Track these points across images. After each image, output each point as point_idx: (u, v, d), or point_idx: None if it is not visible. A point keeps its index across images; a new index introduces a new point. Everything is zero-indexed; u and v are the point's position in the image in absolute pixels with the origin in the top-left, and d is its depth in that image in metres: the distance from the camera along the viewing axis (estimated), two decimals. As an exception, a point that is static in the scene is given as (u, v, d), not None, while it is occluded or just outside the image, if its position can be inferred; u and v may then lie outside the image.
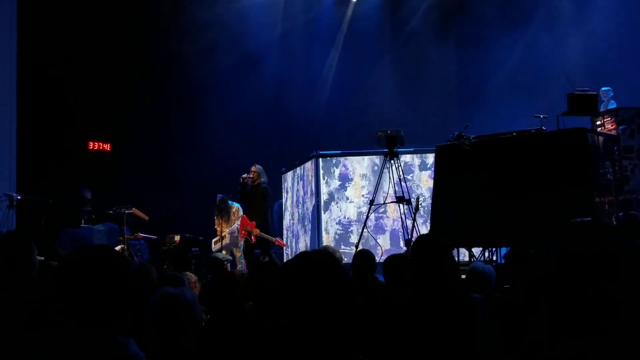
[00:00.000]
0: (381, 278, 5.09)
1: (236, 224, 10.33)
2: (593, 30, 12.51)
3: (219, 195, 10.65)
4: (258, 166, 9.90)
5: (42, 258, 5.59)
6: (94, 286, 1.79)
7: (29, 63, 12.00)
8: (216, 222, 10.71)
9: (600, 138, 7.99)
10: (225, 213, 10.47)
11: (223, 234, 10.42)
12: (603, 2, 12.58)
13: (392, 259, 4.27)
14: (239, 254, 10.29)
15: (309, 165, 11.26)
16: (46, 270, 3.58)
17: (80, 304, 1.78)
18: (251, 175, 9.83)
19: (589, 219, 5.67)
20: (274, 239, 9.84)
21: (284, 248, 12.01)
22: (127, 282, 1.84)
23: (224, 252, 10.41)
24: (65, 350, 1.76)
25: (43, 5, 12.26)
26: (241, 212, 10.41)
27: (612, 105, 9.86)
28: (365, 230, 9.05)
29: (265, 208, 9.90)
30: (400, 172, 8.70)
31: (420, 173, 10.73)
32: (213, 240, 10.70)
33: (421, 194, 10.12)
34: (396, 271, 4.10)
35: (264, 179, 9.88)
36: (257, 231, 9.58)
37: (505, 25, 13.11)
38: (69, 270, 1.84)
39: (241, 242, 10.18)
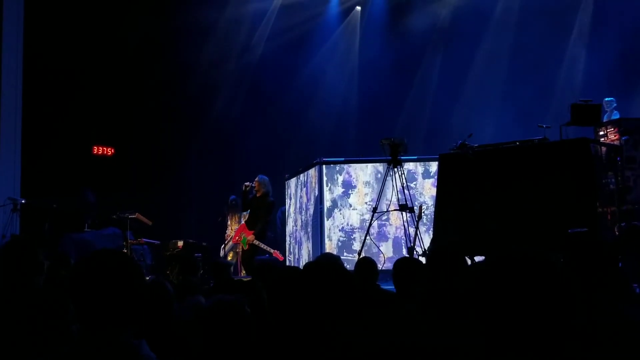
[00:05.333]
0: (383, 285, 5.11)
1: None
2: (597, 40, 12.54)
3: (232, 197, 10.72)
4: (261, 177, 9.79)
5: (48, 262, 5.61)
6: (108, 289, 1.85)
7: (34, 68, 12.07)
8: (229, 222, 10.75)
9: (603, 148, 8.01)
10: (237, 211, 10.58)
11: (231, 236, 10.42)
12: (608, 12, 12.62)
13: (403, 262, 4.31)
14: (236, 257, 10.31)
15: (312, 172, 11.28)
16: (54, 274, 3.62)
17: (93, 306, 1.84)
18: (254, 185, 9.77)
19: (585, 229, 5.67)
20: (272, 250, 9.71)
21: (287, 255, 12.03)
22: (139, 286, 1.89)
23: (230, 254, 10.44)
24: (78, 351, 1.80)
25: (49, 10, 12.33)
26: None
27: (616, 115, 9.88)
28: (368, 237, 9.06)
29: (266, 220, 9.83)
30: (404, 180, 8.72)
31: (423, 181, 10.75)
32: (222, 247, 10.73)
33: (424, 202, 10.14)
34: (407, 274, 4.11)
35: (267, 190, 9.73)
36: (251, 238, 9.49)
37: (513, 35, 13.19)
38: (83, 273, 1.89)
39: (240, 247, 10.18)
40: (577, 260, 2.75)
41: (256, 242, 9.45)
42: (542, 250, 1.54)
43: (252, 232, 9.56)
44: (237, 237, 9.88)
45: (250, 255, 9.48)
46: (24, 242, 3.25)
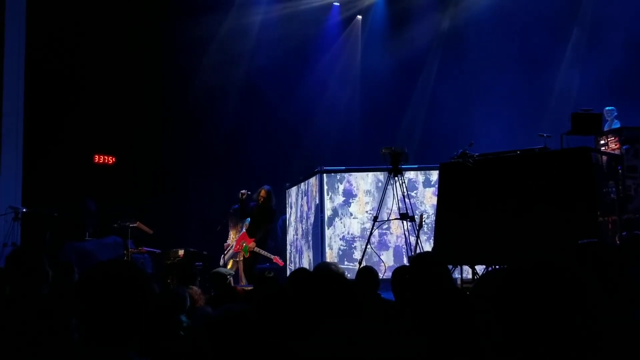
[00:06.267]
0: (384, 295, 5.10)
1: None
2: (597, 48, 12.56)
3: (235, 205, 10.73)
4: (267, 187, 9.89)
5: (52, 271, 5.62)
6: (117, 304, 1.79)
7: (35, 76, 12.10)
8: (230, 231, 10.76)
9: (604, 157, 8.01)
10: (239, 220, 10.59)
11: (231, 246, 10.45)
12: (611, 22, 12.64)
13: (402, 270, 4.30)
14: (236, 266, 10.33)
15: (313, 180, 11.29)
16: (58, 283, 3.63)
17: (101, 321, 1.79)
18: (249, 192, 9.82)
19: (595, 240, 5.66)
20: (272, 256, 9.76)
21: (288, 263, 12.01)
22: (148, 299, 1.84)
23: (230, 263, 10.43)
24: None
25: (50, 19, 12.37)
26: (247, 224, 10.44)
27: (616, 124, 9.89)
28: (368, 246, 9.05)
29: (267, 228, 9.90)
30: (404, 189, 8.72)
31: (424, 190, 10.75)
32: (222, 256, 10.74)
33: (425, 211, 10.14)
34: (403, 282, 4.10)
35: (271, 199, 9.84)
36: (252, 246, 9.53)
37: (513, 45, 13.21)
38: (91, 287, 1.84)
39: (240, 256, 10.19)
40: (589, 266, 2.77)
41: (257, 250, 9.50)
42: (562, 257, 1.56)
43: (253, 239, 9.60)
44: (238, 246, 9.90)
45: (251, 263, 9.52)
46: (29, 251, 3.26)
